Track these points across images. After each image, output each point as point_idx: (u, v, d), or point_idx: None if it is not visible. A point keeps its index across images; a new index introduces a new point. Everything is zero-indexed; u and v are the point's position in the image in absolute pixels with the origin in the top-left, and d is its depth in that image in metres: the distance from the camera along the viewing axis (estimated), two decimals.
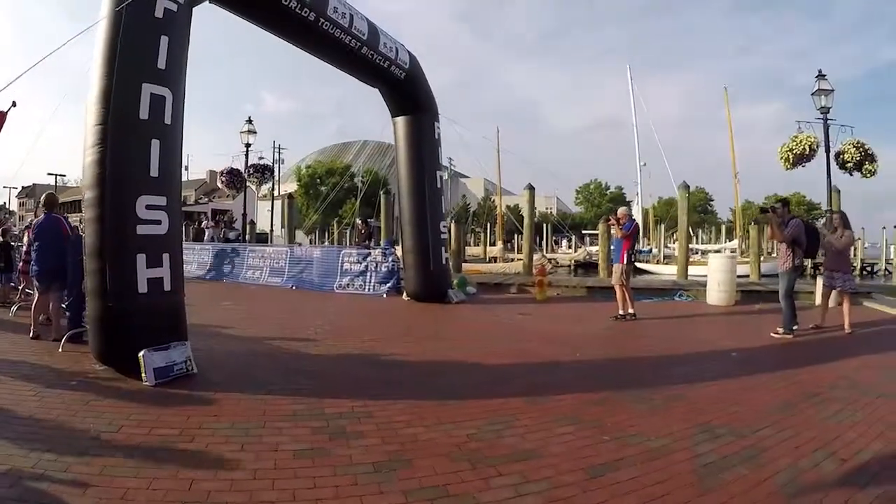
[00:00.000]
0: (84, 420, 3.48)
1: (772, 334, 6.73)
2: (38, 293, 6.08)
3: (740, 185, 35.85)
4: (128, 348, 4.38)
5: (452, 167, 49.08)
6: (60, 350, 5.29)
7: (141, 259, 4.49)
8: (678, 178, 37.59)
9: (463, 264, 16.85)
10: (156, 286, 4.58)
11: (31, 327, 5.94)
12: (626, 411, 3.89)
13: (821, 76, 10.91)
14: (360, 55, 8.19)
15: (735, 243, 36.13)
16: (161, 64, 4.73)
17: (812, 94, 11.04)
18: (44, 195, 6.69)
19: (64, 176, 51.98)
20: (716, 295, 9.79)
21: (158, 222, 4.62)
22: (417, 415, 3.74)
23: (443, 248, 10.11)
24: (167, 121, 4.75)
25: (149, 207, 4.55)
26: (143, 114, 4.57)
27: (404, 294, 10.26)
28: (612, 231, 8.58)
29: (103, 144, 4.48)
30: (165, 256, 4.67)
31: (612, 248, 8.85)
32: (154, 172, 4.60)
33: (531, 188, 15.74)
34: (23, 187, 61.03)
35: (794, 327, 6.75)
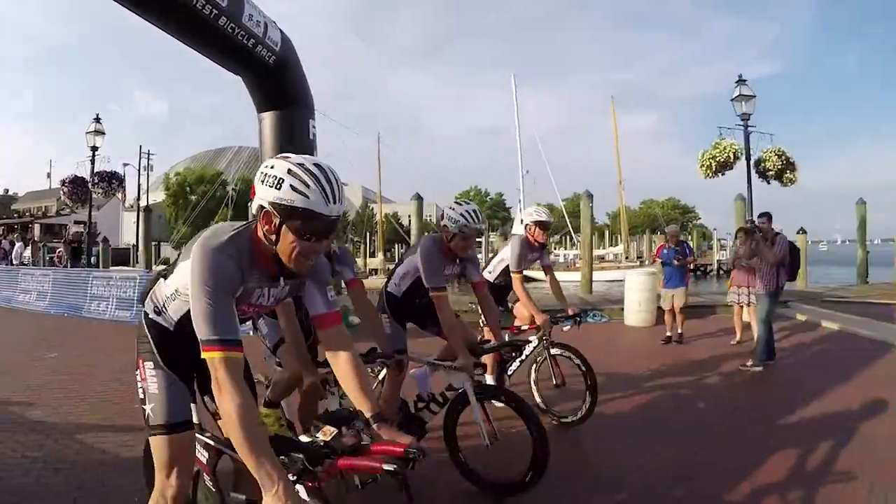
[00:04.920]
0: None
1: (741, 367, 5.82)
2: None
3: (620, 192, 38.28)
4: None
5: None
6: None
7: None
8: (560, 185, 39.29)
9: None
10: None
11: None
12: None
13: (741, 81, 10.63)
14: (218, 28, 6.10)
15: (620, 248, 38.28)
16: None
17: (731, 100, 10.74)
18: None
19: None
20: (636, 316, 9.04)
21: None
22: None
23: None
24: None
25: None
26: None
27: None
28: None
29: None
30: None
31: (666, 271, 7.65)
32: None
33: (419, 198, 13.54)
34: None
35: (770, 361, 5.89)
